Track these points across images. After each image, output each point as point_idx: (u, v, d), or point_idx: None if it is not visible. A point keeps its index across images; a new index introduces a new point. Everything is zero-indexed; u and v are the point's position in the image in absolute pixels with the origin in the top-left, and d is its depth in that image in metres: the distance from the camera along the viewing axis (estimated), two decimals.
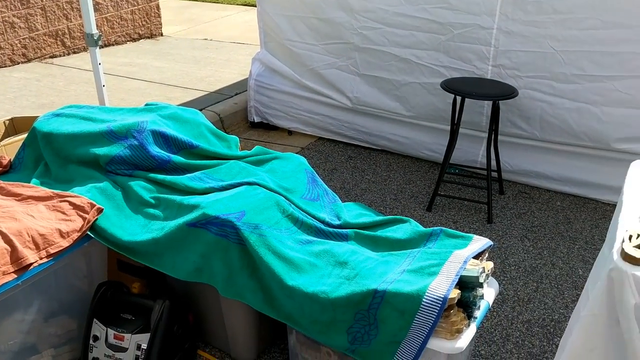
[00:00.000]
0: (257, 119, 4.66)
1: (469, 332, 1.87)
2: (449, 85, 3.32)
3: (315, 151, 4.23)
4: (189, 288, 2.23)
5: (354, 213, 2.38)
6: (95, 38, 3.22)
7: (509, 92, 3.22)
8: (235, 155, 2.57)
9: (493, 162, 3.45)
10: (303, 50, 4.17)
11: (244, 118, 4.79)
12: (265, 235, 2.02)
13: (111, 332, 2.10)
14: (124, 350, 2.08)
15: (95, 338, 2.12)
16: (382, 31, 3.77)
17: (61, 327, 2.23)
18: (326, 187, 2.50)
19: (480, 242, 2.12)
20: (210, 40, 7.20)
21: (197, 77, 5.68)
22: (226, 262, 2.03)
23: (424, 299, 1.78)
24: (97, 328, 2.12)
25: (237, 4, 9.28)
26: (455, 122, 3.37)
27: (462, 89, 3.27)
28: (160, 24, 7.35)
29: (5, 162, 2.46)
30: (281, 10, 4.17)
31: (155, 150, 2.39)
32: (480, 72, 3.56)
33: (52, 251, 2.00)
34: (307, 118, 4.39)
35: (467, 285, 1.89)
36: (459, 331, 1.84)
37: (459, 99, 3.30)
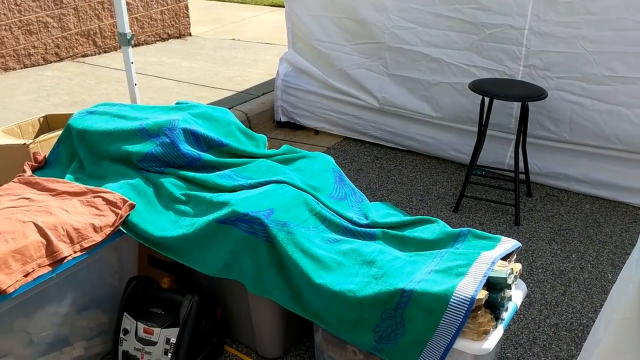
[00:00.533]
0: (283, 119, 4.70)
1: (496, 334, 1.86)
2: (477, 87, 3.30)
3: (341, 151, 4.24)
4: (217, 284, 2.26)
5: (382, 213, 2.39)
6: (128, 37, 3.28)
7: (539, 94, 3.19)
8: (264, 153, 2.59)
9: (521, 164, 3.43)
10: (332, 50, 4.19)
11: (270, 117, 4.82)
12: (293, 233, 2.04)
13: (141, 326, 2.14)
14: (154, 344, 2.12)
15: (126, 331, 2.16)
16: (415, 31, 3.78)
17: (93, 320, 2.28)
18: (353, 186, 2.51)
19: (508, 244, 2.11)
20: (238, 40, 7.26)
21: (225, 76, 5.74)
22: (255, 259, 2.05)
23: (451, 299, 1.78)
24: (128, 322, 2.17)
25: (265, 5, 9.34)
26: (483, 123, 3.35)
27: (490, 90, 3.25)
28: (189, 24, 7.44)
29: (40, 158, 2.52)
30: (310, 11, 4.20)
31: (186, 148, 2.43)
32: (512, 73, 3.54)
33: (85, 245, 2.04)
34: (334, 118, 4.40)
35: (494, 286, 1.88)
36: (486, 332, 1.83)
37: (487, 100, 3.28)
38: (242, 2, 9.54)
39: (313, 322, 2.07)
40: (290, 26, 4.43)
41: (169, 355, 2.09)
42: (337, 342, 2.09)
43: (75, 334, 2.21)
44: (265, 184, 2.29)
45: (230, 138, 2.60)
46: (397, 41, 3.87)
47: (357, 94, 4.17)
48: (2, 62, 5.61)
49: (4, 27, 5.53)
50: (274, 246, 2.03)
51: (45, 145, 2.72)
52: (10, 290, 1.81)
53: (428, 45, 3.76)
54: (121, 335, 2.17)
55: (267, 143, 2.77)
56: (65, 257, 1.99)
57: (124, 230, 2.16)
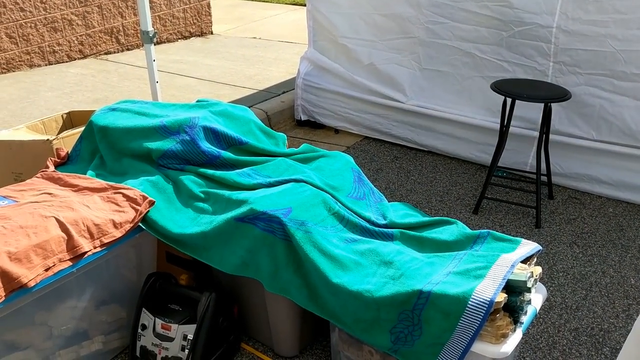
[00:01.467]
0: (303, 117, 4.70)
1: (515, 338, 1.84)
2: (499, 87, 3.27)
3: (360, 150, 4.23)
4: (234, 281, 2.27)
5: (400, 213, 2.38)
6: (150, 35, 3.30)
7: (562, 95, 3.15)
8: (283, 152, 2.60)
9: (543, 165, 3.38)
10: (360, 47, 4.20)
11: (290, 116, 4.83)
12: (311, 232, 2.04)
13: (159, 321, 2.16)
14: (171, 340, 2.13)
15: (144, 327, 2.18)
16: (447, 26, 3.80)
17: (111, 315, 2.30)
18: (372, 186, 2.50)
19: (528, 247, 2.08)
20: (259, 38, 7.29)
21: (246, 75, 5.76)
22: (272, 257, 2.06)
23: (469, 302, 1.76)
24: (146, 317, 2.18)
25: (286, 3, 9.36)
26: (505, 124, 3.31)
27: (513, 90, 3.21)
28: (211, 23, 7.49)
29: (63, 154, 2.55)
30: (336, 9, 4.22)
31: (206, 145, 2.44)
32: (542, 68, 3.54)
33: (105, 241, 2.06)
34: (355, 117, 4.40)
35: (514, 289, 1.86)
36: (505, 336, 1.81)
37: (509, 101, 3.25)
38: (263, 1, 9.57)
39: (329, 322, 2.07)
40: (311, 24, 4.44)
41: (186, 351, 2.11)
42: (353, 342, 2.09)
43: (94, 329, 2.23)
44: (284, 183, 2.29)
45: (250, 136, 2.60)
46: (430, 36, 3.90)
47: (384, 91, 4.17)
48: (28, 59, 5.70)
49: (29, 25, 5.62)
50: (291, 245, 2.03)
51: (68, 141, 2.75)
52: (32, 284, 1.84)
53: (461, 40, 3.79)
54: (139, 330, 2.19)
55: (286, 142, 2.77)
56: (86, 253, 2.01)
57: (144, 227, 2.18)
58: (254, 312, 2.33)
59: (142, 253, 2.33)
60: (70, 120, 3.23)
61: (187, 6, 7.09)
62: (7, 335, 1.92)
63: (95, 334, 2.25)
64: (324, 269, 1.97)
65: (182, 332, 2.13)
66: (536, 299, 2.00)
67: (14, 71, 5.61)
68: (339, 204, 2.25)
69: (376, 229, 2.23)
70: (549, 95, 3.17)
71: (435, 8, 3.82)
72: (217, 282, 2.34)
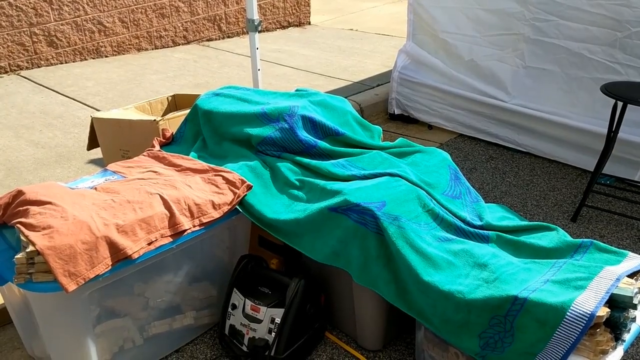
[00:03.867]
0: (397, 111, 4.66)
1: (615, 355, 1.74)
2: (611, 90, 3.08)
3: (454, 148, 4.14)
4: (323, 270, 2.29)
5: (497, 215, 2.30)
6: (255, 24, 3.38)
7: None
8: (378, 145, 2.58)
9: None
10: (460, 42, 4.12)
11: (383, 109, 4.80)
12: (404, 227, 2.02)
13: (249, 302, 2.21)
14: (259, 321, 2.19)
15: (234, 306, 2.25)
16: (555, 23, 3.65)
17: (203, 292, 2.39)
18: (469, 185, 2.44)
19: (635, 261, 1.95)
20: (356, 30, 7.29)
21: (341, 66, 5.78)
22: (363, 249, 2.05)
23: (568, 313, 1.68)
24: (236, 297, 2.25)
25: None
26: (614, 129, 3.12)
27: (625, 94, 3.02)
28: (309, 13, 7.57)
29: (168, 134, 2.67)
30: (438, 2, 4.14)
31: (304, 134, 2.47)
32: None
33: (204, 220, 2.14)
34: (450, 113, 4.31)
35: (618, 304, 1.76)
36: (604, 352, 1.72)
37: (619, 105, 3.06)
38: None
39: (415, 320, 2.04)
40: (412, 18, 4.38)
41: (273, 334, 2.15)
42: (438, 343, 2.05)
43: (187, 304, 2.33)
44: (379, 176, 2.28)
45: (346, 128, 2.61)
46: (536, 33, 3.75)
47: (484, 88, 4.06)
48: (136, 43, 6.00)
49: (140, 10, 5.91)
50: (383, 239, 2.02)
51: (172, 122, 2.88)
52: (135, 256, 1.94)
53: (569, 39, 3.62)
54: (229, 309, 2.26)
55: (382, 134, 2.76)
56: (185, 230, 2.09)
57: (240, 210, 2.24)
58: (340, 303, 2.34)
59: (236, 235, 2.40)
60: (175, 102, 3.37)
61: None
62: (108, 302, 2.04)
63: (187, 309, 2.34)
64: (415, 265, 1.94)
65: (270, 315, 2.17)
66: None
67: (123, 54, 5.93)
68: (433, 201, 2.21)
69: (471, 229, 2.17)
70: None
71: (543, 5, 3.66)
72: (306, 269, 2.37)
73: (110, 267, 1.88)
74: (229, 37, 6.77)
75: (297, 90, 2.85)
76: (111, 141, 3.10)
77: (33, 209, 1.94)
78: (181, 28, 6.31)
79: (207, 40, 6.59)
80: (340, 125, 2.59)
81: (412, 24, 4.41)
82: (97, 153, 3.50)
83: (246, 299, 2.22)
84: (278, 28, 7.25)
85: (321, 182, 2.28)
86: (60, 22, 5.36)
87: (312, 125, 2.52)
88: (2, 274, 1.85)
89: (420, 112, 4.51)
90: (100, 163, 3.53)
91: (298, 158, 2.44)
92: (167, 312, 2.25)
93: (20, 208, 1.97)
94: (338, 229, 2.09)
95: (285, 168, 2.39)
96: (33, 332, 2.17)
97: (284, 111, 2.50)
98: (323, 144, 2.49)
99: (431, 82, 4.35)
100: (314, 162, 2.42)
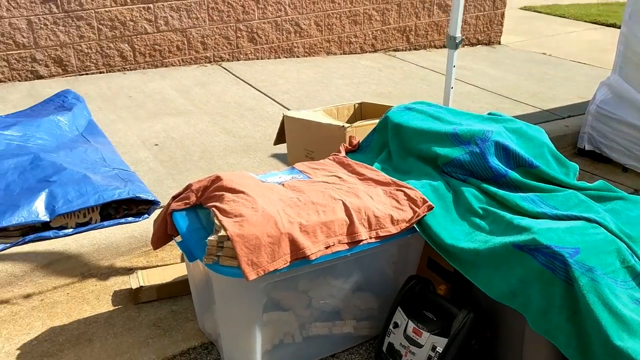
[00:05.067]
0: (587, 147, 4.30)
1: None
2: None
3: None
4: (493, 306, 2.16)
5: None
6: (457, 41, 3.32)
7: None
8: (574, 184, 2.39)
9: None
10: None
11: (571, 143, 4.47)
12: (598, 281, 1.83)
13: (411, 324, 2.17)
14: (419, 346, 2.13)
15: (396, 325, 2.21)
16: None
17: (365, 302, 2.38)
18: None
19: None
20: (549, 55, 6.88)
21: (530, 91, 5.49)
22: (545, 296, 1.90)
23: None
24: (400, 316, 2.21)
25: (585, 21, 8.66)
26: None
27: None
28: (500, 32, 7.31)
29: (355, 142, 2.71)
30: None
31: (494, 161, 2.36)
32: None
33: (381, 234, 2.13)
34: None
35: None
36: None
37: None
38: (560, 16, 9.00)
39: None
40: (622, 49, 4.01)
41: None
42: None
43: (347, 311, 2.33)
44: (573, 219, 2.10)
45: (541, 160, 2.45)
46: None
47: None
48: (327, 47, 6.23)
49: (335, 15, 6.12)
50: (572, 289, 1.85)
51: (359, 130, 2.92)
52: (313, 257, 1.98)
53: None
54: (391, 326, 2.23)
55: (577, 173, 2.55)
56: (362, 241, 2.09)
57: (417, 229, 2.20)
58: (507, 344, 2.20)
59: (407, 253, 2.36)
60: (361, 110, 3.43)
61: (481, 13, 7.02)
62: (276, 295, 2.12)
63: (347, 317, 2.35)
64: (605, 325, 1.75)
65: (432, 342, 2.11)
66: None
67: (313, 56, 6.18)
68: (635, 257, 1.98)
69: None
70: None
71: None
72: (476, 302, 2.26)
73: (288, 264, 1.95)
74: (415, 49, 6.76)
75: (489, 114, 2.74)
76: (297, 140, 3.23)
77: (228, 195, 2.07)
78: (371, 36, 6.43)
79: (394, 50, 6.64)
80: (535, 157, 2.43)
81: (621, 56, 4.04)
82: (280, 149, 3.68)
83: (409, 320, 2.18)
84: (466, 45, 7.09)
85: (507, 215, 2.15)
86: (263, 21, 5.73)
87: (505, 153, 2.40)
88: (193, 251, 2.00)
89: (615, 151, 4.12)
90: (282, 158, 3.71)
91: (485, 185, 2.34)
92: (327, 315, 2.28)
93: (217, 193, 2.11)
94: (520, 268, 1.96)
95: (470, 194, 2.30)
96: (207, 308, 2.32)
97: (477, 134, 2.41)
98: (514, 174, 2.36)
99: (633, 120, 3.95)
100: (501, 192, 2.29)
